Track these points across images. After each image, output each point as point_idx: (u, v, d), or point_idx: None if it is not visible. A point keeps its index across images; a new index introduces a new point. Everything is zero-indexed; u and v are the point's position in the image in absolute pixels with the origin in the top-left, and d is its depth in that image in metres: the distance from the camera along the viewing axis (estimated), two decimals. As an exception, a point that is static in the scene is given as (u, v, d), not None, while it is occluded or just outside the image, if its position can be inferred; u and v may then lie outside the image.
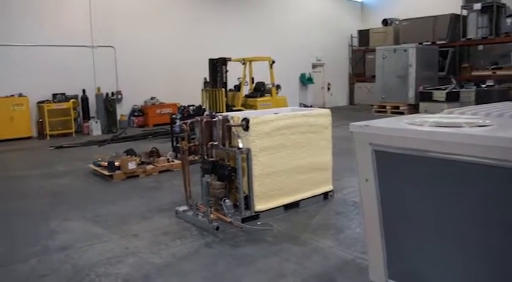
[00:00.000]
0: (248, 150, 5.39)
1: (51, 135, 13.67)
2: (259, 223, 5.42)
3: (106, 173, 7.96)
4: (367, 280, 3.87)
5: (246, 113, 6.44)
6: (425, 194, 2.98)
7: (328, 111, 6.33)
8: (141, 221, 5.68)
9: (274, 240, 4.89)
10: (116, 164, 8.03)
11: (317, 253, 4.53)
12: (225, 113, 5.98)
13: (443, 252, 3.05)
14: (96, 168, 8.33)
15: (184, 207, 5.81)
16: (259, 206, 5.54)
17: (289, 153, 5.80)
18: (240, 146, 5.47)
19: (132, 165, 8.00)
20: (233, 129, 5.60)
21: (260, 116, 5.57)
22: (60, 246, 4.86)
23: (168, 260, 4.43)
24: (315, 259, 4.39)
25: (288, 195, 5.87)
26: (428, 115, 3.40)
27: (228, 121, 5.62)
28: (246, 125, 5.41)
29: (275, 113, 6.08)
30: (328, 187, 6.42)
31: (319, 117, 6.17)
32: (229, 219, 5.10)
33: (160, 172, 8.43)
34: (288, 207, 5.87)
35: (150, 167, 8.43)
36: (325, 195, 6.38)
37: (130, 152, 8.79)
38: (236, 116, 5.66)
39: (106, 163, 8.07)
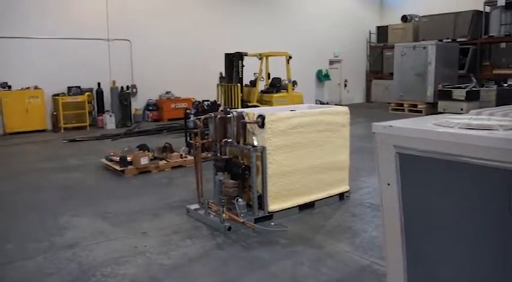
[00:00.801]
0: (263, 149, 5.20)
1: (65, 128, 13.62)
2: (272, 224, 5.24)
3: (118, 168, 7.84)
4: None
5: (262, 110, 6.25)
6: (452, 201, 2.77)
7: (346, 109, 6.11)
8: (151, 219, 5.53)
9: (288, 243, 4.71)
10: (128, 159, 7.91)
11: (332, 257, 4.34)
12: (240, 109, 5.79)
13: (468, 264, 2.84)
14: (108, 163, 8.21)
15: (196, 206, 5.65)
16: (273, 206, 5.36)
17: (305, 152, 5.61)
18: (255, 143, 5.29)
19: (144, 161, 7.87)
20: (248, 126, 5.42)
21: (276, 113, 5.37)
22: (68, 244, 4.74)
23: (177, 261, 4.27)
24: (330, 264, 4.19)
25: (303, 196, 5.68)
26: (456, 116, 3.18)
27: (243, 118, 5.44)
28: (261, 122, 5.22)
29: (291, 110, 5.89)
30: (345, 187, 6.21)
31: (337, 115, 5.96)
32: (241, 220, 4.93)
33: (173, 168, 8.30)
34: (302, 207, 5.69)
35: (162, 162, 8.30)
36: (341, 195, 6.17)
37: (143, 147, 8.66)
38: (251, 113, 5.47)
39: (118, 158, 7.94)
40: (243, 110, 5.73)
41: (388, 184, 3.08)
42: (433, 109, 17.17)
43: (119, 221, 5.43)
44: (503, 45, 19.56)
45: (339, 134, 6.01)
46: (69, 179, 7.61)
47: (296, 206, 5.61)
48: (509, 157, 2.36)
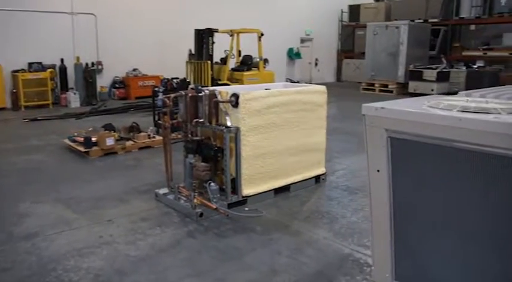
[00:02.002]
0: (237, 129, 4.90)
1: (26, 107, 12.95)
2: (246, 209, 4.98)
3: (82, 149, 7.42)
4: (368, 278, 3.49)
5: (235, 88, 5.91)
6: (446, 188, 2.56)
7: (323, 88, 5.85)
8: (117, 205, 5.19)
9: (264, 229, 4.46)
10: (93, 139, 7.48)
11: (311, 245, 4.11)
12: (211, 88, 5.44)
13: (460, 254, 2.65)
14: (72, 144, 7.76)
15: (165, 190, 5.33)
16: (247, 190, 5.09)
17: (280, 133, 5.34)
18: (228, 124, 4.98)
19: (110, 141, 7.46)
20: (221, 105, 5.10)
21: (251, 92, 5.06)
22: (27, 234, 4.36)
23: (145, 252, 3.96)
24: (309, 252, 3.97)
25: (278, 179, 5.43)
26: (448, 97, 2.94)
27: (216, 96, 5.11)
28: (235, 101, 4.91)
29: (266, 89, 5.60)
30: (321, 170, 5.99)
31: (314, 94, 5.70)
32: (214, 206, 4.64)
33: (140, 149, 7.92)
34: (277, 191, 5.44)
35: (129, 143, 7.90)
36: (317, 178, 5.96)
37: (108, 127, 8.24)
38: (224, 91, 5.15)
39: (82, 138, 7.51)
40: (215, 88, 5.39)
41: (378, 170, 2.84)
42: (403, 89, 17.17)
43: (83, 208, 5.07)
44: (472, 27, 19.65)
45: (316, 114, 5.76)
46: (29, 162, 7.15)
47: (271, 190, 5.36)
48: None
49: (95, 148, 7.41)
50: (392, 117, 2.64)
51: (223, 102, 5.04)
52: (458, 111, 2.46)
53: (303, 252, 3.97)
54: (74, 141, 7.78)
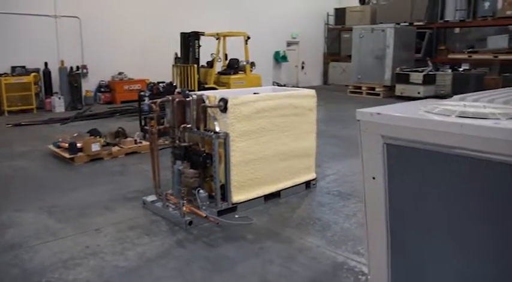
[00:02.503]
0: (226, 135, 4.81)
1: (9, 112, 12.69)
2: (237, 216, 4.88)
3: (67, 155, 7.25)
4: (363, 288, 3.41)
5: (224, 93, 5.81)
6: (446, 197, 2.49)
7: (313, 91, 5.78)
8: (104, 213, 5.05)
9: (255, 238, 4.37)
10: (78, 145, 7.32)
11: (304, 254, 4.02)
12: (199, 92, 5.34)
13: (459, 263, 2.58)
14: (56, 150, 7.59)
15: (153, 197, 5.21)
16: (236, 196, 4.99)
17: (270, 138, 5.25)
18: (217, 129, 4.88)
19: (95, 147, 7.30)
20: (209, 110, 5.00)
21: (240, 96, 4.97)
22: (9, 244, 4.21)
23: (133, 263, 3.84)
24: (302, 261, 3.88)
25: (268, 185, 5.34)
26: (443, 102, 2.88)
27: (204, 101, 5.00)
28: (224, 106, 4.81)
29: (255, 93, 5.51)
30: (311, 175, 5.91)
31: (303, 98, 5.63)
32: (204, 214, 4.53)
33: (126, 154, 7.78)
34: (268, 197, 5.35)
35: (115, 148, 7.75)
36: (307, 184, 5.88)
37: (94, 132, 8.08)
38: (212, 96, 5.04)
39: (67, 144, 7.35)
40: (203, 92, 5.29)
41: (373, 178, 2.75)
42: (390, 92, 17.20)
43: (68, 216, 4.92)
44: (457, 30, 19.76)
45: (306, 118, 5.68)
46: (12, 168, 6.97)
47: (261, 196, 5.26)
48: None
49: (80, 154, 7.25)
50: (388, 123, 2.55)
51: (211, 107, 4.94)
52: (456, 116, 2.39)
53: (295, 260, 3.88)
54: (59, 147, 7.62)
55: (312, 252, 4.06)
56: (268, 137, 5.22)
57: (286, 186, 5.54)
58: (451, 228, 2.50)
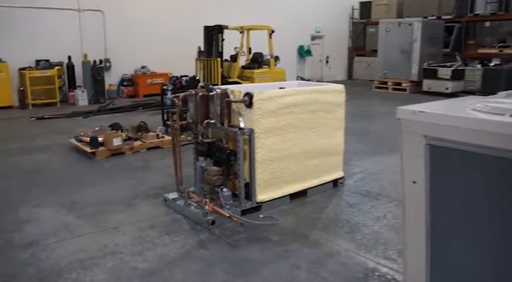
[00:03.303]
0: (251, 131, 4.59)
1: (33, 105, 12.73)
2: (261, 216, 4.67)
3: (88, 149, 7.15)
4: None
5: (249, 87, 5.58)
6: (494, 204, 2.24)
7: (342, 86, 5.54)
8: (124, 210, 4.91)
9: (280, 239, 4.15)
10: (100, 139, 7.21)
11: (332, 258, 3.80)
12: (223, 86, 5.13)
13: (507, 280, 2.34)
14: (78, 144, 7.50)
15: (175, 195, 5.04)
16: (261, 195, 4.79)
17: (297, 135, 5.02)
18: (242, 125, 4.67)
19: (117, 141, 7.18)
20: (233, 105, 4.79)
21: (265, 91, 4.75)
22: (27, 242, 4.08)
23: (153, 264, 3.66)
24: (330, 266, 3.66)
25: (295, 183, 5.11)
26: (490, 99, 2.62)
27: (228, 96, 4.80)
28: (249, 101, 4.60)
29: (281, 88, 5.29)
30: (339, 173, 5.67)
31: (332, 93, 5.38)
32: (227, 213, 4.33)
33: (148, 149, 7.64)
34: (293, 196, 5.13)
35: (137, 143, 7.63)
36: (335, 182, 5.64)
37: (115, 126, 7.96)
38: (237, 90, 4.84)
39: (88, 138, 7.24)
40: (227, 86, 5.07)
41: (414, 182, 2.51)
42: (417, 88, 16.78)
43: (87, 213, 4.79)
44: (487, 24, 19.16)
45: (334, 114, 5.44)
46: (34, 162, 6.90)
47: (287, 195, 5.05)
48: None
49: (101, 148, 7.14)
50: (432, 122, 2.31)
51: (236, 102, 4.74)
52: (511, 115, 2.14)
53: (323, 265, 3.66)
54: (80, 141, 7.52)
55: (341, 256, 3.83)
56: (295, 134, 5.00)
57: (313, 185, 5.31)
58: (502, 243, 2.26)
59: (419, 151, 2.41)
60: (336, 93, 5.43)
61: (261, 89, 5.00)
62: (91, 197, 5.28)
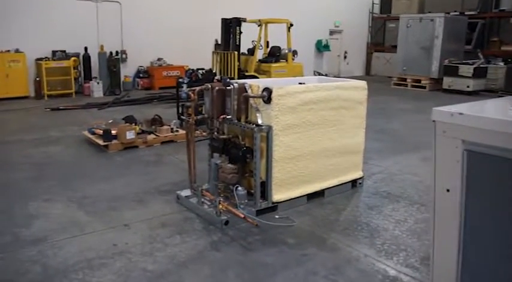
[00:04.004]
0: (269, 128, 4.40)
1: (49, 96, 12.66)
2: (277, 217, 4.49)
3: (101, 142, 7.01)
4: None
5: (267, 82, 5.36)
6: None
7: (364, 83, 5.31)
8: (135, 206, 4.75)
9: (297, 243, 3.96)
10: (113, 132, 7.07)
11: (351, 264, 3.60)
12: (241, 80, 4.92)
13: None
14: (91, 136, 7.37)
15: (188, 192, 4.87)
16: (278, 195, 4.60)
17: (316, 132, 4.82)
18: (259, 122, 4.48)
19: (130, 135, 7.03)
20: (251, 101, 4.60)
21: (285, 87, 4.54)
22: (34, 238, 3.95)
23: (163, 266, 3.49)
24: (350, 273, 3.46)
25: (312, 183, 4.91)
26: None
27: (246, 90, 4.61)
28: (268, 96, 4.40)
29: (300, 83, 5.08)
30: (358, 173, 5.46)
31: (353, 90, 5.16)
32: (242, 215, 4.13)
33: (162, 143, 7.49)
34: (310, 196, 4.93)
35: (151, 137, 7.48)
36: (354, 182, 5.43)
37: (129, 119, 7.82)
38: (255, 85, 4.64)
39: (101, 131, 7.11)
40: (245, 81, 4.87)
41: (448, 190, 2.31)
42: (437, 85, 16.41)
43: (98, 209, 4.65)
44: (512, 20, 18.66)
45: (355, 112, 5.22)
46: (46, 154, 6.79)
47: (304, 195, 4.85)
48: None
49: (114, 142, 7.00)
50: (473, 125, 2.09)
51: (254, 97, 4.54)
52: None
53: (342, 272, 3.46)
54: (94, 133, 7.39)
55: (360, 263, 3.63)
56: (314, 132, 4.79)
57: (331, 185, 5.11)
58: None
59: (456, 157, 2.19)
60: (358, 89, 5.20)
61: (280, 84, 4.80)
62: (102, 192, 5.14)
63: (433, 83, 16.64)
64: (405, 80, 17.34)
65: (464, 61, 16.26)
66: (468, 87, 15.41)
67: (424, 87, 16.64)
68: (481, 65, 15.82)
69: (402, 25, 17.66)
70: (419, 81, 16.91)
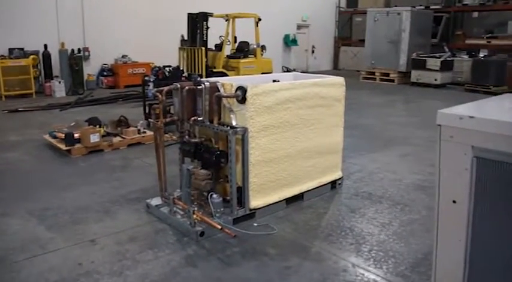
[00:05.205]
0: (244, 130, 4.11)
1: (7, 97, 12.01)
2: (256, 225, 4.21)
3: (63, 147, 6.58)
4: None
5: (241, 80, 5.06)
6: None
7: (341, 79, 5.07)
8: (101, 218, 4.39)
9: (279, 253, 3.69)
10: (76, 135, 6.64)
11: (339, 276, 3.35)
12: (212, 79, 4.60)
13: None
14: (52, 141, 6.92)
15: (158, 201, 4.53)
16: (255, 201, 4.31)
17: (294, 133, 4.55)
18: (234, 123, 4.18)
19: (94, 138, 6.62)
20: (224, 101, 4.30)
21: (260, 85, 4.25)
22: (-11, 259, 3.57)
23: (134, 288, 3.18)
24: (338, 286, 3.21)
25: (291, 186, 4.65)
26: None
27: (218, 90, 4.30)
28: (242, 95, 4.10)
29: (275, 81, 4.81)
30: (337, 174, 5.23)
31: (331, 87, 4.92)
32: (219, 226, 3.81)
33: (129, 146, 7.11)
34: (289, 201, 4.67)
35: (117, 139, 7.08)
36: (333, 184, 5.20)
37: (93, 121, 7.40)
38: (228, 84, 4.33)
39: (63, 134, 6.67)
40: (217, 79, 4.56)
41: (454, 201, 2.07)
42: (405, 79, 16.45)
43: (61, 223, 4.26)
44: (475, 14, 18.87)
45: (333, 110, 4.98)
46: (3, 161, 6.32)
47: (283, 200, 4.58)
48: None
49: (77, 146, 6.58)
50: (485, 130, 1.85)
51: (227, 97, 4.23)
52: None
53: (330, 286, 3.21)
54: (55, 137, 6.93)
55: (349, 274, 3.38)
56: (292, 132, 4.53)
57: (310, 188, 4.86)
58: None
59: (465, 165, 1.95)
60: (336, 86, 4.96)
61: (254, 82, 4.51)
62: (65, 203, 4.75)
63: (401, 77, 16.69)
64: (374, 73, 17.33)
65: (431, 54, 16.32)
66: (436, 80, 15.49)
67: (393, 81, 16.66)
68: (448, 58, 15.91)
69: (369, 19, 17.61)
70: (387, 74, 16.92)
